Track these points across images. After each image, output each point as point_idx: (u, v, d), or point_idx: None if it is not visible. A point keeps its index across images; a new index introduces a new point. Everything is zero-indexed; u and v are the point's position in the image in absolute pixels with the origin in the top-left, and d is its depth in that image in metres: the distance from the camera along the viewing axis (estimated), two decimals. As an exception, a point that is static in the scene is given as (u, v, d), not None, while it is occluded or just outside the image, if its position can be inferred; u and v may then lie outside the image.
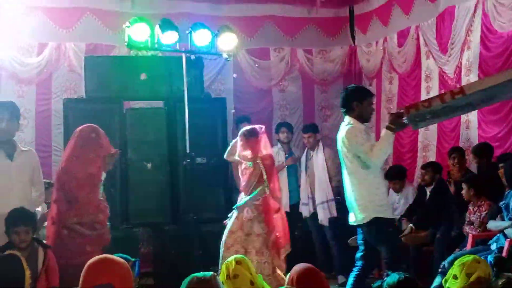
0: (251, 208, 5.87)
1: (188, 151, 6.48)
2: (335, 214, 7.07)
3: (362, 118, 4.80)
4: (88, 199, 4.80)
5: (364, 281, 5.01)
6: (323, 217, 7.08)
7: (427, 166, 6.72)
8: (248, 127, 6.08)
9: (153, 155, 6.83)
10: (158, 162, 6.82)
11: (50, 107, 7.63)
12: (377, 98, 8.17)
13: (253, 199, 5.87)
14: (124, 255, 3.45)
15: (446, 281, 3.41)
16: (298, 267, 3.45)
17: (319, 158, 7.18)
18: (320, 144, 7.29)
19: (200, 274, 3.22)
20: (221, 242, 5.89)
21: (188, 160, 6.44)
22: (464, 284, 3.15)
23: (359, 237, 5.03)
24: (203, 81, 7.37)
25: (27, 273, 4.05)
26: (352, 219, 4.92)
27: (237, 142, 6.00)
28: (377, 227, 4.73)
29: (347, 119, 4.84)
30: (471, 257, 3.39)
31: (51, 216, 4.75)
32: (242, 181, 5.99)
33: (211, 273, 3.25)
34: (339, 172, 7.57)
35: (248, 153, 5.87)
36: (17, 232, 4.23)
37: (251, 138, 5.88)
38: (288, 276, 3.46)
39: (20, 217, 4.28)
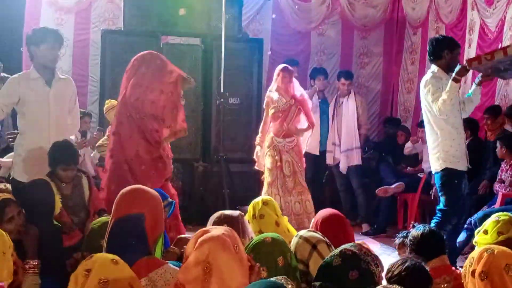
0: (286, 150, 5.96)
1: (222, 90, 6.48)
2: (357, 162, 7.05)
3: (449, 67, 4.81)
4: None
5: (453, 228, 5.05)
6: (344, 165, 7.07)
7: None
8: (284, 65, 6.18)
9: (187, 92, 6.77)
10: (192, 99, 6.83)
11: (88, 37, 7.63)
12: (422, 49, 8.03)
13: (287, 141, 5.97)
14: (163, 192, 3.53)
15: (478, 233, 3.40)
16: (322, 212, 3.48)
17: (350, 105, 7.11)
18: (352, 92, 7.21)
19: (227, 212, 3.28)
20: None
21: (222, 100, 6.46)
22: (492, 241, 3.13)
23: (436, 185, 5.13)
24: (241, 20, 7.30)
25: (57, 197, 4.06)
26: (432, 168, 5.03)
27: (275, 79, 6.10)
28: (447, 177, 4.80)
29: (433, 67, 4.91)
30: (507, 217, 3.35)
31: (110, 148, 4.72)
32: (275, 124, 6.04)
33: (238, 211, 3.31)
34: (369, 121, 7.58)
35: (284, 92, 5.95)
36: (64, 169, 4.27)
37: (289, 74, 6.03)
38: (313, 220, 3.50)
39: (69, 156, 4.29)
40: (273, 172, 6.01)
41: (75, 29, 7.57)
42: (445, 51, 4.84)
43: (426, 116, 4.91)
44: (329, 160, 7.26)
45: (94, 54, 7.51)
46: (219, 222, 3.07)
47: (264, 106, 6.28)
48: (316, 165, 7.27)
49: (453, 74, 4.65)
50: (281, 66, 6.19)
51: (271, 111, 6.11)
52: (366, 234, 6.78)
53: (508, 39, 6.26)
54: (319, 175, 7.44)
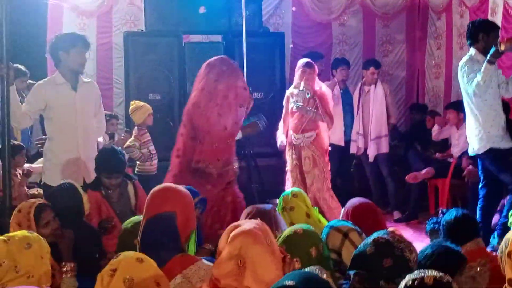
0: (306, 145, 5.92)
1: (245, 86, 6.48)
2: (385, 150, 7.00)
3: (485, 50, 4.86)
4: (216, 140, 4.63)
5: (491, 210, 5.20)
6: (373, 152, 7.02)
7: None
8: (306, 59, 6.07)
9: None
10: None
11: (111, 40, 7.70)
12: (447, 33, 7.94)
13: (306, 136, 5.93)
14: (193, 189, 3.54)
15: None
16: (353, 201, 3.45)
17: (378, 93, 7.05)
18: (378, 80, 7.16)
19: (259, 206, 3.29)
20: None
21: (246, 95, 6.45)
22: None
23: (479, 167, 5.21)
24: (261, 15, 7.30)
25: (85, 198, 4.01)
26: (471, 150, 5.12)
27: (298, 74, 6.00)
28: (494, 156, 4.93)
29: (471, 50, 5.04)
30: None
31: (177, 148, 4.73)
32: (293, 119, 6.00)
33: (271, 205, 3.32)
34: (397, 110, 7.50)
35: (307, 85, 5.89)
36: (107, 177, 4.24)
37: (311, 70, 5.93)
38: (343, 210, 3.49)
39: (112, 165, 4.27)
40: (293, 174, 5.99)
41: (97, 32, 7.64)
42: (480, 34, 4.97)
43: (465, 99, 5.02)
44: (353, 150, 7.21)
45: (118, 57, 7.58)
46: (251, 216, 3.08)
47: (283, 103, 6.21)
48: (343, 156, 7.22)
49: (488, 57, 4.70)
50: (302, 61, 6.09)
51: (290, 106, 6.05)
52: (398, 221, 6.74)
53: (533, 20, 6.17)
54: (346, 165, 7.39)
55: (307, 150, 5.94)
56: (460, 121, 6.70)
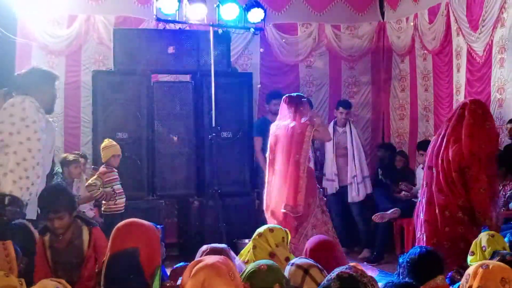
0: None
1: (214, 125, 6.53)
2: (370, 190, 7.10)
3: None
4: None
5: None
6: (361, 195, 7.13)
7: None
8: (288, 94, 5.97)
9: (179, 128, 6.91)
10: (184, 135, 6.90)
11: (79, 78, 7.69)
12: (412, 75, 8.14)
13: None
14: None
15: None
16: (312, 239, 3.54)
17: (353, 134, 7.23)
18: (349, 121, 7.31)
19: (214, 245, 3.30)
20: None
21: (214, 134, 6.50)
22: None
23: None
24: (230, 55, 7.39)
25: (36, 235, 3.72)
26: None
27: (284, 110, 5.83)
28: None
29: None
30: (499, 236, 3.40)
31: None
32: None
33: (225, 245, 3.33)
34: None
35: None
36: (51, 219, 3.79)
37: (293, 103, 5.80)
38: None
39: (56, 204, 3.79)
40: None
41: (66, 71, 7.62)
42: None
43: None
44: (330, 189, 7.28)
45: (86, 95, 7.56)
46: (206, 255, 3.07)
47: (270, 143, 5.89)
48: None
49: None
50: (284, 97, 5.94)
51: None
52: (366, 260, 6.77)
53: (498, 62, 6.35)
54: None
55: None
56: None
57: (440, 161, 4.39)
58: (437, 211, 4.42)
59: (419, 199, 4.84)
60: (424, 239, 4.52)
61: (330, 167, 7.30)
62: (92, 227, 3.93)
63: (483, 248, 3.34)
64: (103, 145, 6.00)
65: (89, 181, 5.85)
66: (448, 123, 4.44)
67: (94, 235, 3.89)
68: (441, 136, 4.45)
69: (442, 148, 4.38)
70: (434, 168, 4.48)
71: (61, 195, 3.87)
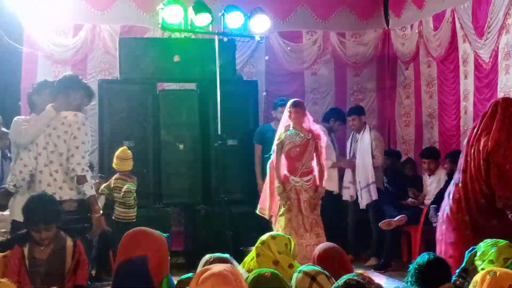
0: (304, 189, 5.94)
1: (219, 133, 6.54)
2: (375, 197, 7.05)
3: None
4: None
5: None
6: (364, 201, 7.06)
7: (449, 155, 6.70)
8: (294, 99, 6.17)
9: (185, 136, 6.93)
10: (190, 143, 6.91)
11: (85, 88, 7.71)
12: (416, 83, 8.13)
13: (304, 180, 5.96)
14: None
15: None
16: (320, 246, 3.53)
17: (364, 141, 7.12)
18: (367, 126, 7.26)
19: (217, 254, 3.30)
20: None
21: (220, 142, 6.51)
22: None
23: None
24: (235, 63, 7.42)
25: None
26: None
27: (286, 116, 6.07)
28: None
29: None
30: (504, 242, 3.38)
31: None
32: (290, 162, 6.00)
33: (228, 254, 3.32)
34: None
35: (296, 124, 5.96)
36: (37, 232, 3.68)
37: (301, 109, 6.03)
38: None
39: (44, 216, 3.70)
40: (287, 216, 5.88)
41: (72, 81, 7.64)
42: None
43: None
44: (346, 196, 7.26)
45: (91, 104, 7.56)
46: (209, 264, 3.07)
47: (273, 147, 6.07)
48: (333, 202, 7.14)
49: None
50: (290, 101, 6.10)
51: (286, 148, 5.97)
52: (374, 268, 6.72)
53: (503, 69, 6.34)
54: (335, 211, 7.34)
55: (305, 194, 5.94)
56: (435, 168, 6.85)
57: (472, 150, 4.71)
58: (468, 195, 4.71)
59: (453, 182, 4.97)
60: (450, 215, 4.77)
61: (346, 174, 7.29)
62: (76, 240, 3.85)
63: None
64: (121, 154, 5.98)
65: (125, 188, 5.82)
66: (482, 118, 4.81)
67: (79, 248, 3.80)
68: (475, 129, 4.80)
69: (475, 139, 4.72)
70: (468, 157, 4.77)
71: (50, 206, 3.80)
